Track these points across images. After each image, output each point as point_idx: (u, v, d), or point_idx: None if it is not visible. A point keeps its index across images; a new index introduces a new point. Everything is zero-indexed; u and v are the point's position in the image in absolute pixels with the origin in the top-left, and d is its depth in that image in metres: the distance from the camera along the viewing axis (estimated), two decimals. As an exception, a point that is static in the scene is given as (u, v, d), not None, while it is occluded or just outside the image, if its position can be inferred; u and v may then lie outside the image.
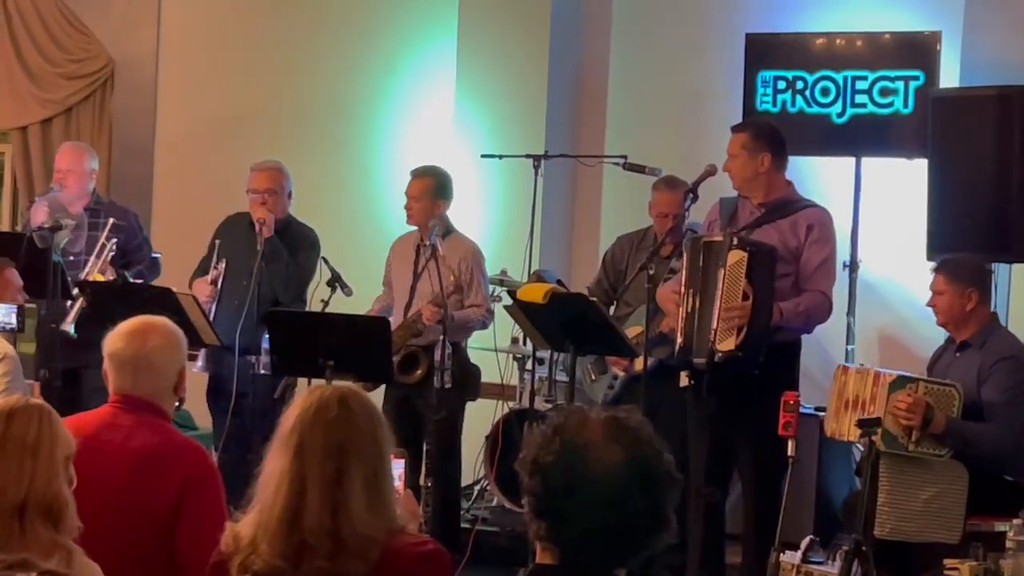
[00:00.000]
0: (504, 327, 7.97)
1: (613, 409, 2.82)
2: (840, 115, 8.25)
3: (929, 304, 6.58)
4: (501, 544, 7.70)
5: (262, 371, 7.28)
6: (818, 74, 8.29)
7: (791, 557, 6.14)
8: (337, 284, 7.36)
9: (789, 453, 6.07)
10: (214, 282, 7.54)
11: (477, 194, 8.90)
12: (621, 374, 7.62)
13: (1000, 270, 7.40)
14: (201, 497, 4.16)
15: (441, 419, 7.05)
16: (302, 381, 7.16)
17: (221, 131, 9.94)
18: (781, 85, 8.37)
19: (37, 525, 3.41)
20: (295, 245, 7.62)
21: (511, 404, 8.43)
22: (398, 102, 9.72)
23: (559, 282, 7.79)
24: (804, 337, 6.82)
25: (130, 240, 7.97)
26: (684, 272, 6.62)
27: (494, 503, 8.30)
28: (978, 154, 7.55)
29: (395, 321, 7.50)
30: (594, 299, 7.02)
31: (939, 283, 6.50)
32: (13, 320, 6.49)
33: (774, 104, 8.38)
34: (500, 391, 8.31)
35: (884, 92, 8.13)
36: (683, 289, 6.59)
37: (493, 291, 8.00)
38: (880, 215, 8.38)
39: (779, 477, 6.27)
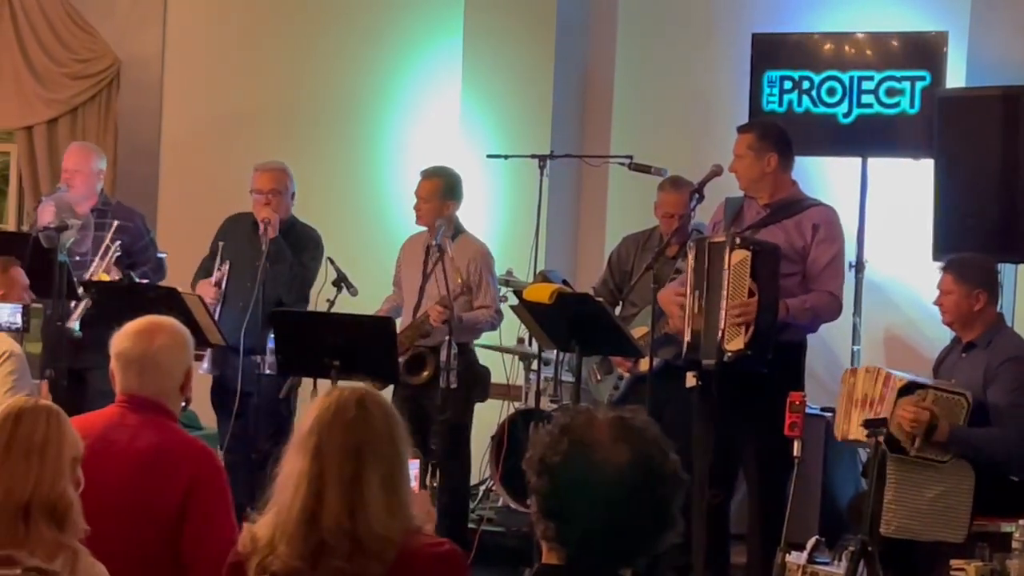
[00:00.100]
0: (510, 327, 7.97)
1: (619, 409, 2.82)
2: (846, 115, 8.25)
3: (936, 303, 6.57)
4: (507, 544, 7.70)
5: (267, 371, 7.28)
6: (824, 74, 8.29)
7: (797, 557, 6.13)
8: (343, 284, 7.36)
9: (795, 453, 6.07)
10: (218, 284, 7.54)
11: (483, 194, 8.90)
12: (626, 374, 7.62)
13: (1006, 270, 7.39)
14: (208, 497, 4.16)
15: (446, 419, 7.05)
16: (307, 381, 7.17)
17: (226, 131, 9.94)
18: (787, 85, 8.37)
19: (41, 525, 3.41)
20: (299, 245, 7.62)
21: (517, 404, 8.43)
22: (404, 102, 9.72)
23: (565, 282, 7.78)
24: (810, 337, 6.81)
25: (136, 241, 7.96)
26: (689, 273, 6.61)
27: (499, 503, 8.30)
28: (984, 154, 7.55)
29: (404, 321, 7.51)
30: (600, 299, 7.03)
31: (947, 282, 6.49)
32: (18, 320, 6.48)
33: (780, 104, 8.38)
34: (506, 391, 8.30)
35: (890, 92, 8.12)
36: (688, 290, 6.58)
37: (500, 291, 7.99)
38: (886, 215, 8.37)
39: (785, 477, 6.26)
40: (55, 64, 10.20)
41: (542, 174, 8.23)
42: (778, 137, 6.76)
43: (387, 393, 7.18)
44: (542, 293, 6.74)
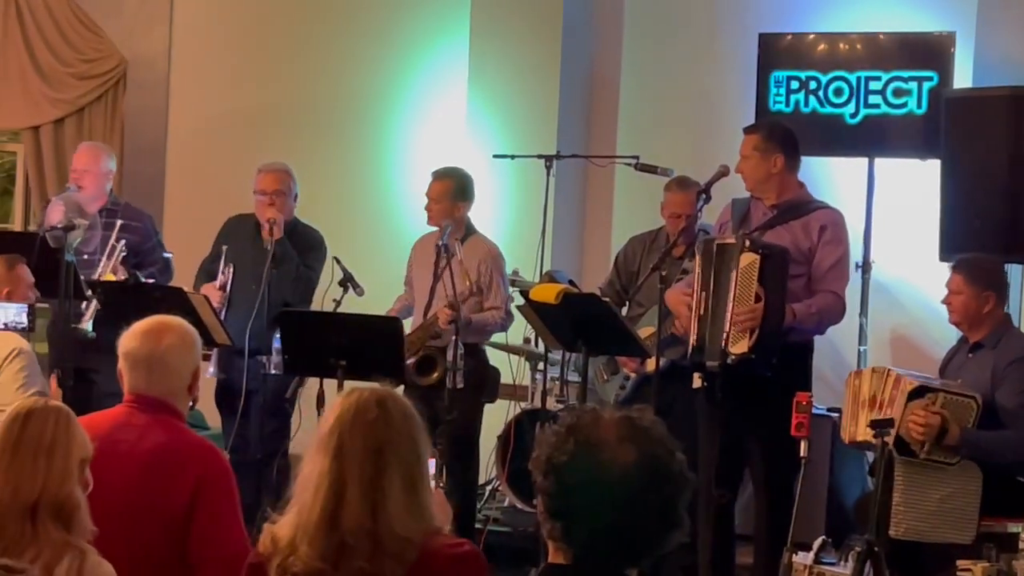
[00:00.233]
0: (516, 327, 7.96)
1: (626, 409, 2.82)
2: (853, 115, 8.24)
3: (944, 302, 6.56)
4: (513, 544, 7.69)
5: (273, 371, 7.28)
6: (831, 74, 8.28)
7: (803, 558, 6.13)
8: (349, 284, 7.36)
9: (801, 454, 6.06)
10: (223, 288, 7.54)
11: (489, 194, 8.89)
12: (633, 375, 7.62)
13: (1012, 271, 7.38)
14: (215, 497, 4.16)
15: (453, 419, 7.04)
16: (312, 380, 7.16)
17: (233, 131, 9.94)
18: (794, 85, 8.36)
19: (49, 525, 3.42)
20: (301, 247, 7.62)
21: (523, 404, 8.43)
22: (410, 102, 9.72)
23: (571, 282, 7.78)
24: (816, 338, 6.80)
25: (144, 242, 7.98)
26: (696, 275, 6.60)
27: (506, 503, 8.30)
28: (991, 155, 7.54)
29: (415, 322, 7.51)
30: (606, 299, 7.02)
31: (957, 283, 6.48)
32: (24, 319, 6.49)
33: (787, 104, 8.37)
34: (512, 391, 8.30)
35: (897, 93, 8.12)
36: (695, 292, 6.57)
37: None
38: (893, 216, 8.37)
39: (791, 478, 6.25)
40: (61, 64, 10.20)
41: (548, 174, 8.23)
42: (784, 138, 6.75)
43: (398, 394, 7.19)
44: (548, 293, 6.74)
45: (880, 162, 8.27)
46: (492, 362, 7.85)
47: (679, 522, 2.74)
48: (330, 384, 6.76)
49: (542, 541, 2.83)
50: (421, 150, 9.46)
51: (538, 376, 8.35)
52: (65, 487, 3.46)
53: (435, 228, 7.58)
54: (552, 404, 7.85)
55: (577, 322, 6.74)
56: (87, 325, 7.31)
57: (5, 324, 6.43)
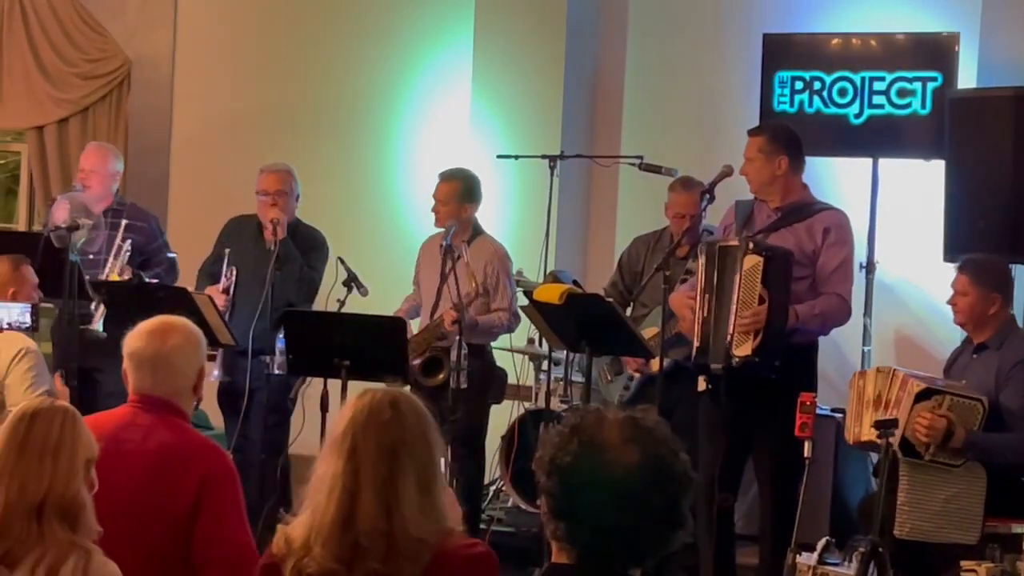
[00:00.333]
0: (520, 327, 7.97)
1: (630, 409, 2.82)
2: (857, 116, 8.24)
3: (950, 303, 6.56)
4: (516, 545, 7.69)
5: (276, 371, 7.28)
6: (835, 75, 8.27)
7: (807, 558, 6.12)
8: (353, 284, 7.36)
9: (805, 454, 6.05)
10: (226, 291, 7.54)
11: (493, 195, 8.88)
12: (636, 375, 7.62)
13: (1017, 271, 7.37)
14: (219, 497, 4.16)
15: (456, 420, 7.04)
16: (316, 380, 7.16)
17: (237, 131, 9.95)
18: (798, 86, 8.35)
19: (55, 525, 3.42)
20: (304, 247, 7.62)
21: (527, 404, 8.43)
22: (414, 102, 9.72)
23: (575, 283, 7.78)
24: (820, 339, 6.79)
25: (149, 243, 7.98)
26: (700, 277, 6.60)
27: (509, 504, 8.30)
28: (995, 155, 7.53)
29: (422, 322, 7.52)
30: (610, 300, 7.02)
31: (963, 284, 6.48)
32: (27, 319, 6.48)
33: (791, 105, 8.36)
34: (516, 391, 8.30)
35: (902, 93, 8.11)
36: (699, 294, 6.57)
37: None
38: (897, 216, 8.36)
39: (795, 478, 6.24)
40: (66, 64, 10.21)
41: (552, 174, 8.23)
42: (789, 140, 6.75)
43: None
44: (552, 293, 6.74)
45: (884, 162, 8.26)
46: (496, 362, 7.84)
47: (683, 522, 2.74)
48: (334, 384, 6.76)
49: (546, 541, 2.83)
50: (425, 150, 9.47)
51: (542, 376, 8.35)
52: (71, 487, 3.46)
53: (443, 229, 7.59)
54: (556, 404, 7.85)
55: (581, 322, 6.74)
56: (98, 325, 7.32)
57: (9, 324, 6.43)
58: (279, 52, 10.00)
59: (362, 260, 7.66)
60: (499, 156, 8.66)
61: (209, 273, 7.74)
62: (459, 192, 7.57)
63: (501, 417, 8.21)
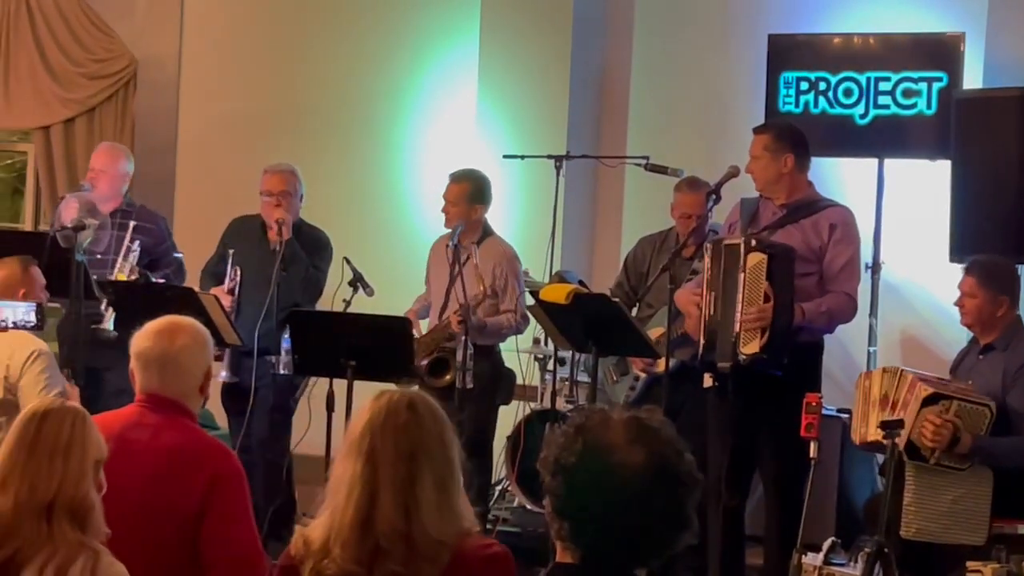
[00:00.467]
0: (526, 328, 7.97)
1: (634, 409, 2.82)
2: (863, 116, 8.24)
3: (957, 304, 6.55)
4: (522, 545, 7.68)
5: (282, 371, 7.28)
6: (841, 75, 8.27)
7: (813, 559, 6.11)
8: (359, 284, 7.37)
9: (811, 454, 6.05)
10: (231, 291, 7.55)
11: (499, 195, 8.85)
12: (643, 375, 7.62)
13: (1023, 272, 7.38)
14: (226, 497, 4.16)
15: (463, 420, 7.04)
16: (322, 381, 7.16)
17: (243, 131, 9.95)
18: (804, 86, 8.35)
19: (64, 525, 3.42)
20: (308, 248, 7.61)
21: (533, 405, 8.43)
22: (420, 103, 9.72)
23: (581, 283, 7.77)
24: (826, 338, 6.78)
25: (158, 244, 7.98)
26: (705, 275, 6.60)
27: (515, 504, 8.30)
28: (1001, 155, 7.53)
29: (431, 322, 7.52)
30: (616, 299, 7.02)
31: (970, 285, 6.47)
32: (32, 317, 6.46)
33: (797, 105, 8.37)
34: (522, 392, 8.30)
35: (907, 93, 8.11)
36: (704, 292, 6.57)
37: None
38: (903, 216, 8.36)
39: (801, 479, 6.24)
40: (72, 64, 10.22)
41: (558, 175, 8.23)
42: (794, 138, 6.74)
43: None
44: (558, 293, 6.74)
45: (890, 163, 8.26)
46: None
47: (688, 523, 2.75)
48: (340, 384, 6.76)
49: (551, 541, 2.83)
50: (431, 150, 9.47)
51: (548, 376, 8.35)
52: (80, 488, 3.47)
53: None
54: (562, 405, 7.85)
55: (587, 323, 6.74)
56: (108, 325, 7.33)
57: (14, 323, 6.42)
58: (285, 52, 10.00)
59: (368, 260, 7.66)
60: (505, 156, 8.65)
61: (212, 273, 7.74)
62: (469, 193, 7.57)
63: (507, 417, 8.21)
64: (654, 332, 7.19)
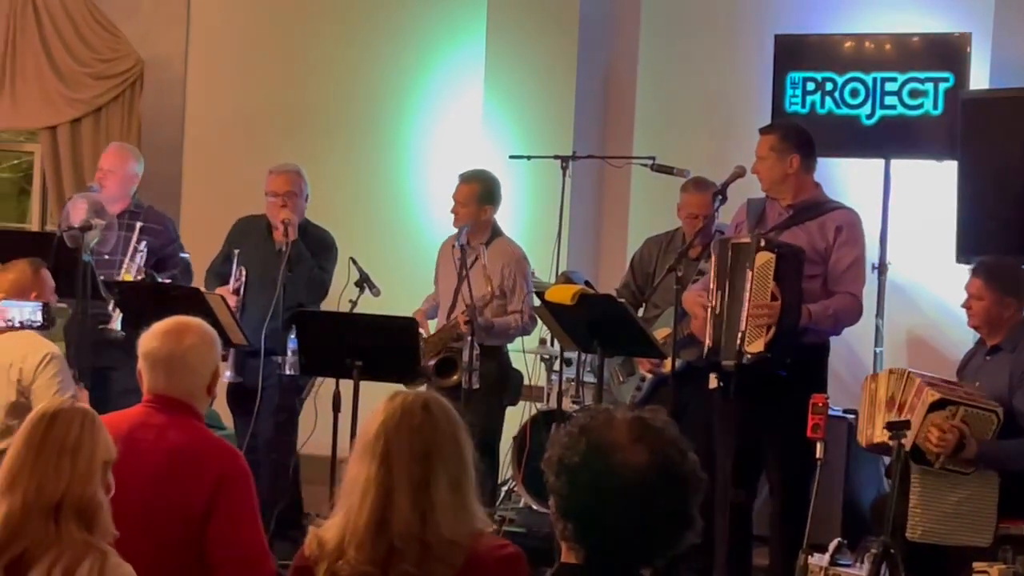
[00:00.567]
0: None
1: (638, 409, 2.82)
2: (869, 116, 8.23)
3: (964, 306, 6.55)
4: (528, 545, 7.63)
5: (288, 371, 7.29)
6: (847, 75, 8.27)
7: (819, 559, 6.11)
8: (365, 284, 7.37)
9: (817, 455, 6.05)
10: (236, 292, 7.55)
11: (505, 195, 8.85)
12: (649, 376, 7.61)
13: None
14: (233, 497, 4.17)
15: (469, 421, 7.02)
16: (328, 381, 7.17)
17: (249, 131, 9.96)
18: (810, 86, 8.35)
19: (71, 525, 3.43)
20: (314, 248, 7.62)
21: (538, 405, 8.43)
22: (426, 103, 9.73)
23: (587, 283, 7.77)
24: (832, 339, 6.79)
25: (165, 245, 7.99)
26: (712, 274, 6.60)
27: (521, 504, 8.30)
28: (1008, 156, 7.53)
29: (439, 323, 7.52)
30: (622, 300, 7.02)
31: (978, 288, 6.46)
32: (39, 317, 6.49)
33: (803, 105, 8.36)
34: (528, 392, 8.30)
35: (914, 94, 8.11)
36: (711, 291, 6.57)
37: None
38: (909, 217, 8.35)
39: (807, 479, 6.24)
40: (78, 64, 10.22)
41: (564, 175, 8.23)
42: (800, 138, 6.74)
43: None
44: (564, 294, 6.73)
45: (896, 163, 8.25)
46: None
47: (691, 523, 2.75)
48: (346, 385, 6.76)
49: (556, 542, 2.83)
50: (437, 150, 9.48)
51: (554, 377, 8.35)
52: (88, 488, 3.47)
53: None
54: (568, 405, 7.85)
55: (593, 323, 6.74)
56: (115, 325, 7.34)
57: (21, 322, 6.44)
58: (291, 52, 10.01)
59: (374, 260, 7.66)
60: (511, 156, 8.66)
61: (217, 273, 7.75)
62: (478, 194, 7.58)
63: (513, 418, 8.21)
64: (660, 333, 7.19)
